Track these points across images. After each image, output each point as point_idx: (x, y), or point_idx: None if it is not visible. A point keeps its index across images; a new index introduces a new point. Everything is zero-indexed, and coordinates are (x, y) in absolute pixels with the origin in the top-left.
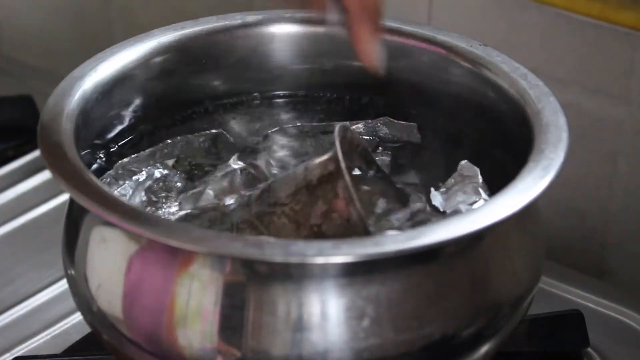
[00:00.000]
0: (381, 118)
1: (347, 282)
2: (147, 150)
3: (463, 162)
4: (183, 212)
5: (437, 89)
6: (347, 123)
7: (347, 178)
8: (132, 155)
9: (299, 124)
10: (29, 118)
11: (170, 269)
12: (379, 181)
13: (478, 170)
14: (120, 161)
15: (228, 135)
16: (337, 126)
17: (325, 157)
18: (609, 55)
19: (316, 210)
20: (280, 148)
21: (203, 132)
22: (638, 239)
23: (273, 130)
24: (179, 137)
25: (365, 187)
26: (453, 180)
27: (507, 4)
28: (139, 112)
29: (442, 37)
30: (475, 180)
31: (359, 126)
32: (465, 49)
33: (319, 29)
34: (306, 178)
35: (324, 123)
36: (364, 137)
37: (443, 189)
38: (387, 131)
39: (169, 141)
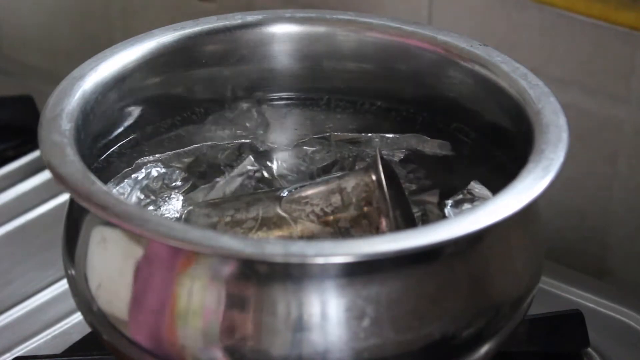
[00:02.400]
0: (412, 135)
1: (347, 282)
2: (171, 152)
3: (473, 182)
4: (205, 200)
5: (436, 88)
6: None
7: (386, 189)
8: (156, 155)
9: (326, 134)
10: (29, 118)
11: (170, 269)
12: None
13: (490, 193)
14: (141, 159)
15: (256, 144)
16: (377, 146)
17: (362, 168)
18: (609, 55)
19: (347, 214)
20: (292, 155)
21: (232, 142)
22: (638, 239)
23: (285, 137)
24: (197, 146)
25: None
26: (462, 196)
27: (507, 4)
28: (139, 112)
29: (442, 37)
30: None
31: (386, 136)
32: (465, 49)
33: (319, 29)
34: (340, 185)
35: (349, 134)
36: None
37: (451, 202)
38: (417, 147)
39: (196, 145)
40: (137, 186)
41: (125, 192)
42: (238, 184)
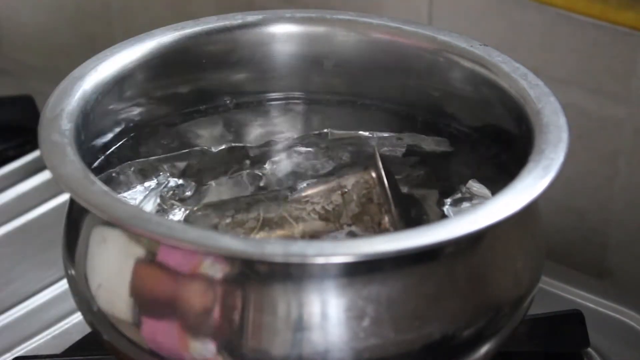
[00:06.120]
0: (410, 133)
1: (347, 282)
2: (162, 156)
3: (471, 180)
4: (205, 203)
5: (437, 88)
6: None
7: (387, 185)
8: (144, 158)
9: (313, 133)
10: (29, 118)
11: (170, 269)
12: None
13: (488, 192)
14: (129, 162)
15: (241, 145)
16: (375, 145)
17: (360, 166)
18: (609, 55)
19: (348, 211)
20: (290, 156)
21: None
22: (638, 239)
23: (283, 138)
24: (196, 148)
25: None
26: (460, 195)
27: (507, 4)
28: (139, 112)
29: (442, 37)
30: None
31: (384, 135)
32: (465, 49)
33: (319, 29)
34: (340, 184)
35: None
36: (387, 148)
37: (450, 201)
38: (415, 144)
39: (186, 150)
40: (153, 194)
41: (137, 198)
42: (234, 188)
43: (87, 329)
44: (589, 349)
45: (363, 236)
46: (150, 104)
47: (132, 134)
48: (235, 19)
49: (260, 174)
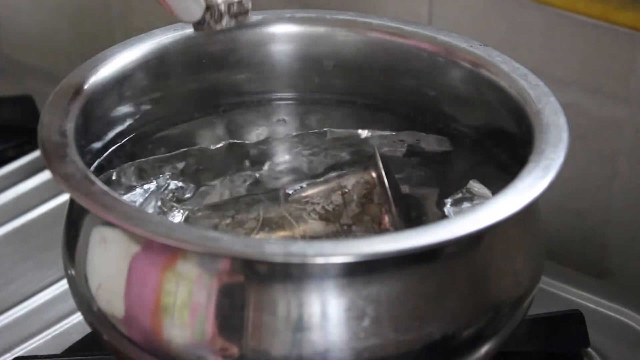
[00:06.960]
0: (409, 132)
1: (347, 282)
2: (162, 156)
3: (472, 181)
4: (205, 204)
5: (436, 88)
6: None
7: (387, 185)
8: (143, 159)
9: (310, 132)
10: (29, 118)
11: (170, 270)
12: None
13: (489, 192)
14: (129, 162)
15: (241, 143)
16: (375, 144)
17: (361, 166)
18: (609, 55)
19: (348, 211)
20: (288, 155)
21: (218, 145)
22: (638, 238)
23: (283, 137)
24: (195, 147)
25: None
26: (461, 195)
27: (507, 4)
28: (138, 112)
29: (442, 37)
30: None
31: (383, 134)
32: (465, 49)
33: (319, 29)
34: (340, 184)
35: (341, 130)
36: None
37: (450, 201)
38: (415, 143)
39: (184, 149)
40: (154, 196)
41: (137, 200)
42: (234, 187)
43: (87, 329)
44: (589, 349)
45: (363, 236)
46: (150, 104)
47: (132, 134)
48: None
49: (259, 174)
